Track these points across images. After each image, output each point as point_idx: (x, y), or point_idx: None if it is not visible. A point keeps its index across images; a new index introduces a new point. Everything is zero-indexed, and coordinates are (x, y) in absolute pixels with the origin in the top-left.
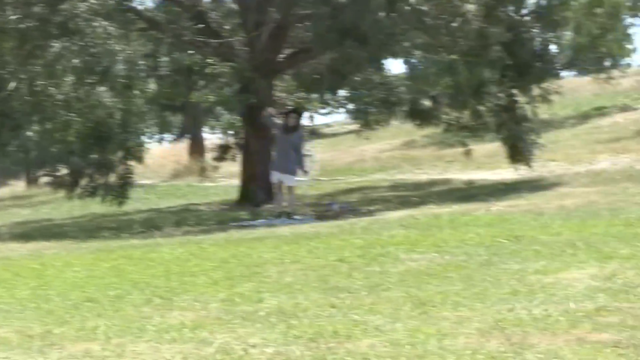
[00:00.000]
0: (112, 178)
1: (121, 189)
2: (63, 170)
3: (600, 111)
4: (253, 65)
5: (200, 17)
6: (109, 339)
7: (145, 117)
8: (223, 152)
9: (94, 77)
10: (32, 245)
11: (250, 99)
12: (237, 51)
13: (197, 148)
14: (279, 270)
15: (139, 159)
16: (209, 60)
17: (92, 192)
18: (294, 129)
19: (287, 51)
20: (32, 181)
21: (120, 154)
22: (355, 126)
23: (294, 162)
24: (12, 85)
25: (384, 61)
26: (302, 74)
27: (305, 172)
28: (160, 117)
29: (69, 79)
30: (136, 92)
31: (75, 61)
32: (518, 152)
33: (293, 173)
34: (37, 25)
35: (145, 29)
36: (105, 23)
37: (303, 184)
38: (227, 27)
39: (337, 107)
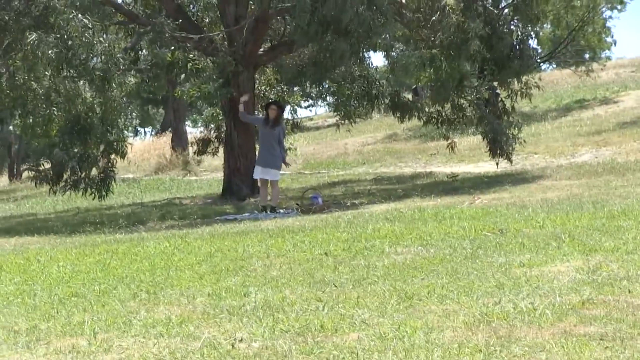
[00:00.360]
0: (94, 172)
1: (103, 183)
2: (46, 165)
3: (581, 104)
4: (234, 59)
5: (179, 10)
6: (96, 334)
7: (126, 111)
8: (204, 145)
9: (72, 70)
10: (16, 240)
11: (232, 93)
12: (218, 45)
13: (179, 142)
14: (265, 264)
15: (121, 153)
16: (190, 56)
17: (73, 186)
18: (275, 122)
19: (268, 44)
20: (14, 175)
21: (102, 147)
22: (337, 119)
23: (278, 155)
24: None
25: (365, 54)
26: (284, 67)
27: (287, 165)
28: (142, 111)
29: (48, 72)
30: (115, 85)
31: (50, 53)
32: (499, 146)
33: (277, 167)
34: (15, 18)
35: (124, 23)
36: (80, 16)
37: (283, 176)
38: (206, 20)
39: (318, 99)
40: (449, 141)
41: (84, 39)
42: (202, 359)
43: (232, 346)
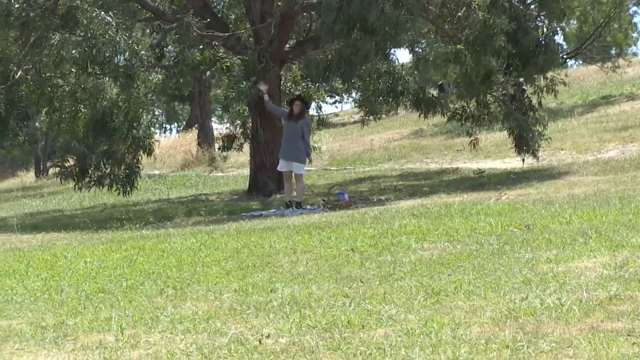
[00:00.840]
0: (119, 168)
1: (127, 179)
2: (71, 161)
3: (608, 100)
4: (262, 56)
5: (205, 7)
6: (123, 330)
7: (152, 108)
8: (230, 142)
9: (96, 68)
10: (42, 236)
11: (265, 90)
12: (245, 42)
13: (205, 138)
14: (291, 260)
15: (148, 150)
16: (219, 54)
17: (98, 182)
18: (299, 116)
19: (293, 40)
20: (41, 172)
21: (127, 144)
22: (362, 115)
23: (301, 149)
24: (15, 73)
25: (390, 51)
26: (312, 63)
27: (310, 161)
28: (168, 107)
29: (73, 69)
30: (139, 82)
31: (74, 52)
32: (525, 143)
33: (301, 160)
34: (41, 15)
35: (150, 19)
36: (103, 14)
37: (309, 172)
38: (231, 16)
39: (344, 95)
40: (472, 138)
41: (107, 37)
42: (230, 354)
43: (259, 342)
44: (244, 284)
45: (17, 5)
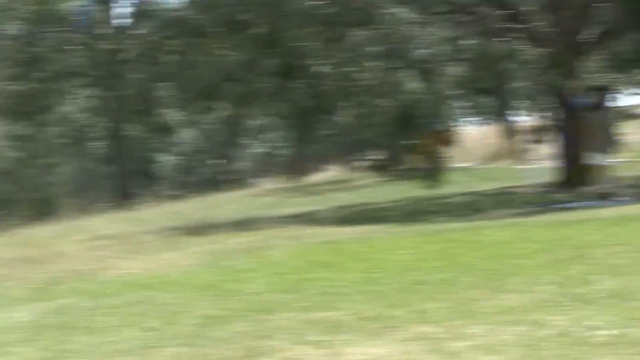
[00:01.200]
0: (423, 161)
1: (433, 172)
2: (374, 155)
3: None
4: (563, 47)
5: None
6: (441, 321)
7: (453, 101)
8: (535, 134)
9: (396, 63)
10: (355, 229)
11: (568, 82)
12: (543, 34)
13: (509, 130)
14: (606, 252)
15: (448, 143)
16: (519, 47)
17: (403, 175)
18: (598, 107)
19: (594, 30)
20: (347, 166)
21: (431, 137)
22: None
23: (607, 141)
24: (316, 68)
25: None
26: (613, 54)
27: (614, 152)
28: (471, 100)
29: (373, 64)
30: (440, 76)
31: (373, 49)
32: None
33: (604, 152)
34: (339, 11)
35: (448, 13)
36: (400, 9)
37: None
38: (525, 8)
39: None
40: None
41: (404, 32)
42: (555, 346)
43: (584, 334)
44: (560, 276)
45: (319, 3)
